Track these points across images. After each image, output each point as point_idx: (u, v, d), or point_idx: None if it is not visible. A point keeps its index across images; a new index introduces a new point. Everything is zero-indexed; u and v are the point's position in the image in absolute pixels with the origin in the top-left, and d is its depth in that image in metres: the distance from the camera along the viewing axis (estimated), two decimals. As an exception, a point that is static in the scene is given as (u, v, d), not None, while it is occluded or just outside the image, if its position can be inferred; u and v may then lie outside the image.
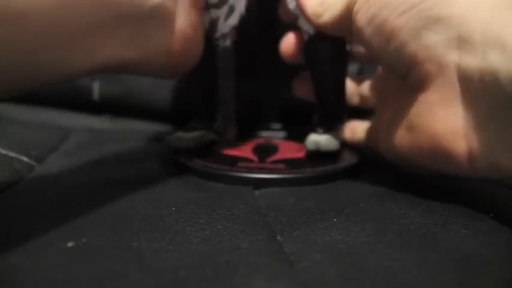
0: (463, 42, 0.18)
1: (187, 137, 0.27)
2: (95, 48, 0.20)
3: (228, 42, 0.27)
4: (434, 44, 0.19)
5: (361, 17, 0.22)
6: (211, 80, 0.28)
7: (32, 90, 0.20)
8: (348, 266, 0.16)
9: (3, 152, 0.26)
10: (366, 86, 0.31)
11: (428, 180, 0.24)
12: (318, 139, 0.27)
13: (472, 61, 0.18)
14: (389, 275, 0.15)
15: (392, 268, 0.16)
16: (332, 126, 0.28)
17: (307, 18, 0.25)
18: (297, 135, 0.31)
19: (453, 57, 0.19)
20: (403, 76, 0.22)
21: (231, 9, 0.27)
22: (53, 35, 0.18)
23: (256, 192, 0.24)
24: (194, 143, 0.27)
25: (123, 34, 0.21)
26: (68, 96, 0.36)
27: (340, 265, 0.16)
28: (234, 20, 0.27)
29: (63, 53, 0.18)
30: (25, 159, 0.26)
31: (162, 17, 0.22)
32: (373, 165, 0.28)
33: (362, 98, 0.31)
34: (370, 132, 0.28)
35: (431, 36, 0.19)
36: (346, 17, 0.23)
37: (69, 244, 0.17)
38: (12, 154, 0.26)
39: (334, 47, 0.28)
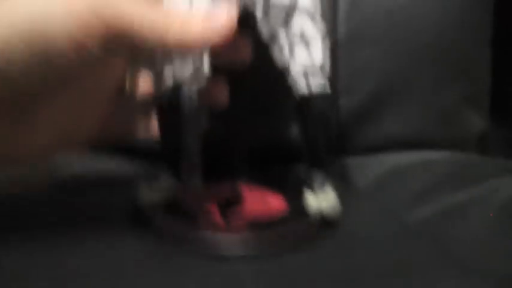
0: None
1: (154, 193, 0.27)
2: None
3: (193, 88, 0.25)
4: None
5: None
6: (175, 133, 0.27)
7: None
8: None
9: None
10: None
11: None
12: (320, 204, 0.26)
13: None
14: None
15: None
16: (325, 177, 0.27)
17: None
18: (265, 177, 0.30)
19: None
20: None
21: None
22: None
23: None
24: (161, 200, 0.26)
25: None
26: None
27: None
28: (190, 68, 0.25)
29: None
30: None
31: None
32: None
33: None
34: None
35: None
36: None
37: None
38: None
39: (326, 97, 0.26)
